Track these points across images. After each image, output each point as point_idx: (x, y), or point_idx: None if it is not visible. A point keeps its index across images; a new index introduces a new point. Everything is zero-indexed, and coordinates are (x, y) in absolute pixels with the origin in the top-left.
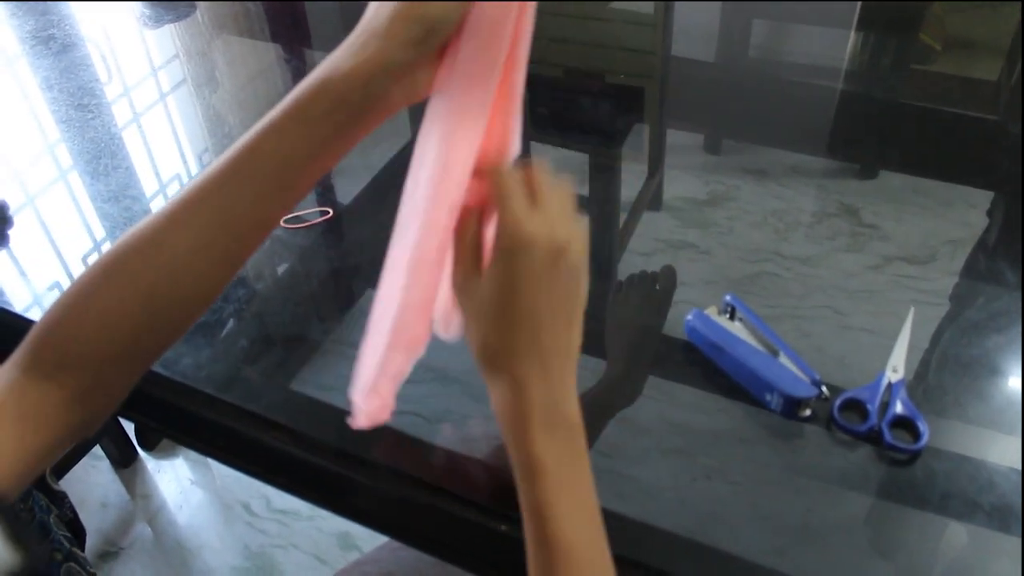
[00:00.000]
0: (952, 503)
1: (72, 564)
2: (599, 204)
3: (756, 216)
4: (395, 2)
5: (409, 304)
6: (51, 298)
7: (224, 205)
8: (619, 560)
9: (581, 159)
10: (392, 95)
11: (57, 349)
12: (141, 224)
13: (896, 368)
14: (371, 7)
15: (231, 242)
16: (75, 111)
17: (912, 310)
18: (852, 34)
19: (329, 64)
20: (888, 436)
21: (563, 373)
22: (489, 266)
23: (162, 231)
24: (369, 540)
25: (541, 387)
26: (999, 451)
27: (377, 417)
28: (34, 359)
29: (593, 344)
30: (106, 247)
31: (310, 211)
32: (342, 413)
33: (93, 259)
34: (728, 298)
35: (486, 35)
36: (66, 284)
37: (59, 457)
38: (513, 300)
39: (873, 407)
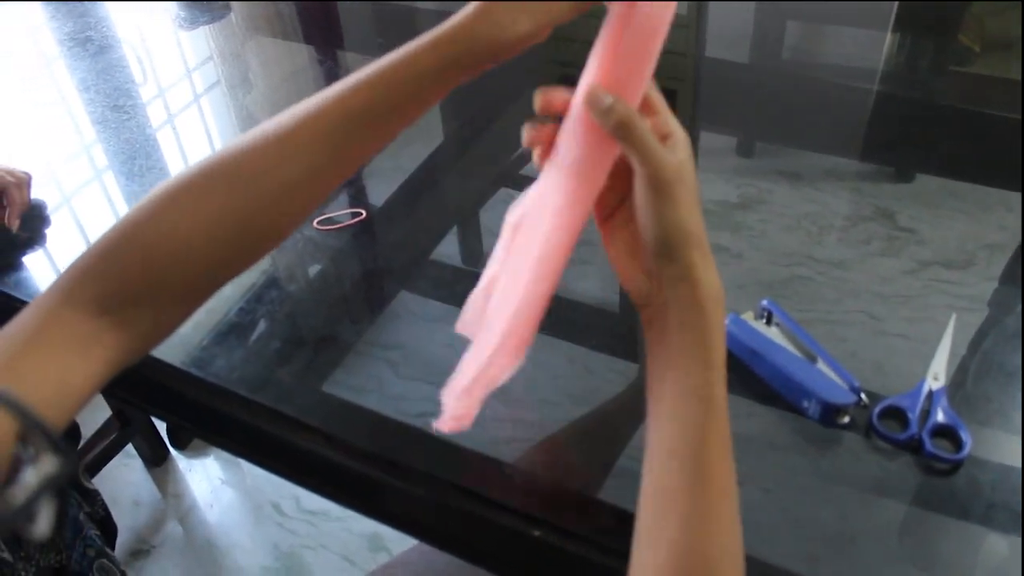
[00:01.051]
0: (996, 514)
1: (104, 560)
2: None
3: (789, 219)
4: None
5: (532, 298)
6: None
7: (343, 137)
8: None
9: None
10: (517, 39)
11: (126, 279)
12: (239, 147)
13: (937, 375)
14: None
15: (337, 173)
16: (111, 112)
17: (954, 316)
18: (888, 35)
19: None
20: (929, 445)
21: None
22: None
23: (271, 159)
24: (399, 542)
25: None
26: None
27: (462, 422)
28: (95, 293)
29: (625, 347)
30: None
31: (343, 212)
32: (374, 415)
33: None
34: (765, 303)
35: (645, 34)
36: None
37: (105, 385)
38: (681, 203)
39: (914, 415)
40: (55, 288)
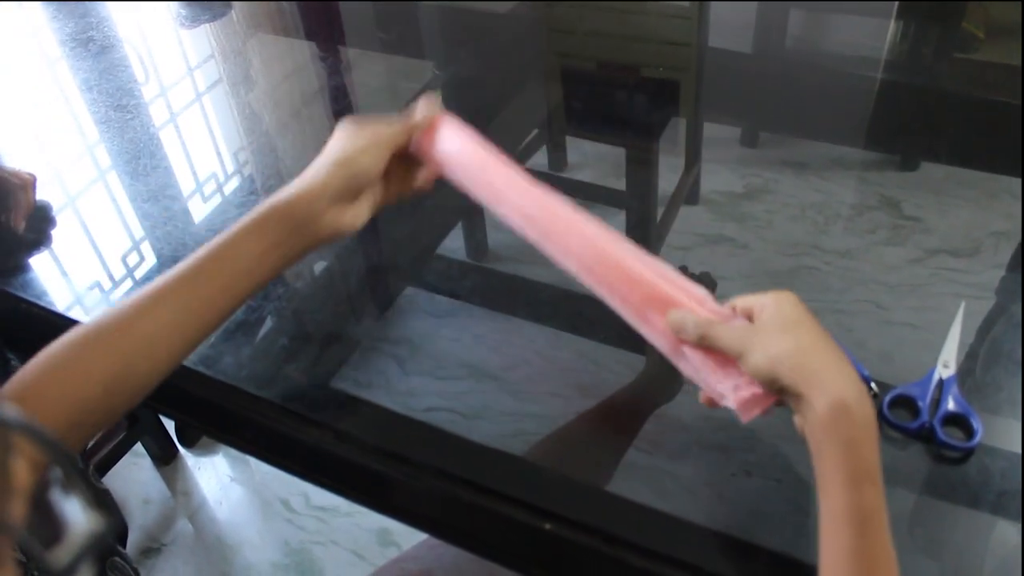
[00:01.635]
0: (1007, 502)
1: (116, 559)
2: (636, 198)
3: (795, 209)
4: (337, 150)
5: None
6: (92, 297)
7: (189, 297)
8: (657, 556)
9: (618, 153)
10: (326, 218)
11: (33, 407)
12: (109, 312)
13: (947, 363)
14: (329, 146)
15: (194, 327)
16: (114, 112)
17: (963, 304)
18: (892, 23)
19: (287, 188)
20: (940, 433)
21: None
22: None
23: (128, 321)
24: (408, 537)
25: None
26: None
27: (762, 401)
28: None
29: (632, 339)
30: (145, 246)
31: None
32: (382, 410)
33: (132, 259)
34: None
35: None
36: (107, 284)
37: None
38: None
39: (924, 404)
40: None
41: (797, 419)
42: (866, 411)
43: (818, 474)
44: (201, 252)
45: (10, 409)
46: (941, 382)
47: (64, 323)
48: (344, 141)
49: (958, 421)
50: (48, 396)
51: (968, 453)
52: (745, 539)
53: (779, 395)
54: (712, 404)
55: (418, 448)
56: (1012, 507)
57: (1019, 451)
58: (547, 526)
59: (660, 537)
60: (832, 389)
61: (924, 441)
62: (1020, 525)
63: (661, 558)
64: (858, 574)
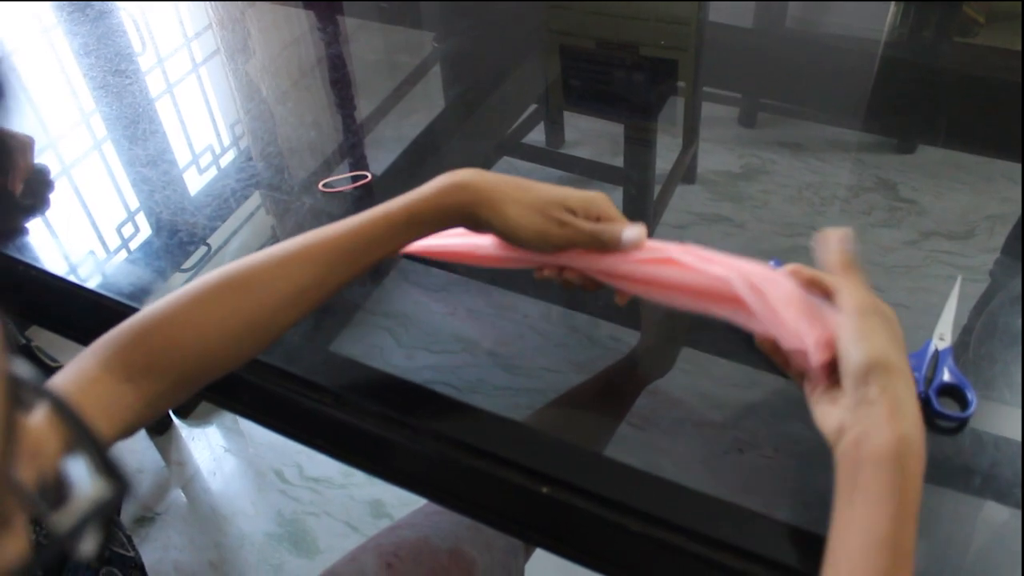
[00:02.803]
0: (1000, 471)
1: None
2: (633, 176)
3: (791, 190)
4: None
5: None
6: (89, 264)
7: (327, 267)
8: (655, 520)
9: (615, 130)
10: (475, 229)
11: (150, 354)
12: (249, 263)
13: (943, 336)
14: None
15: (321, 294)
16: (112, 76)
17: (959, 278)
18: (892, 5)
19: (443, 184)
20: (936, 403)
21: None
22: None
23: (272, 276)
24: (400, 508)
25: None
26: None
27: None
28: (122, 360)
29: (627, 315)
30: (140, 217)
31: (344, 176)
32: (382, 375)
33: (128, 229)
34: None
35: None
36: (100, 253)
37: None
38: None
39: (920, 374)
40: (93, 351)
41: (838, 420)
42: (922, 451)
43: (857, 487)
44: (339, 227)
45: (23, 370)
46: (937, 354)
47: (61, 286)
48: (523, 216)
49: (953, 392)
50: (184, 331)
51: (963, 423)
52: (741, 504)
53: (852, 385)
54: (773, 347)
55: (418, 412)
56: (1005, 477)
57: (1011, 423)
58: (544, 490)
59: (658, 501)
60: (908, 421)
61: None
62: (1013, 500)
63: (659, 522)
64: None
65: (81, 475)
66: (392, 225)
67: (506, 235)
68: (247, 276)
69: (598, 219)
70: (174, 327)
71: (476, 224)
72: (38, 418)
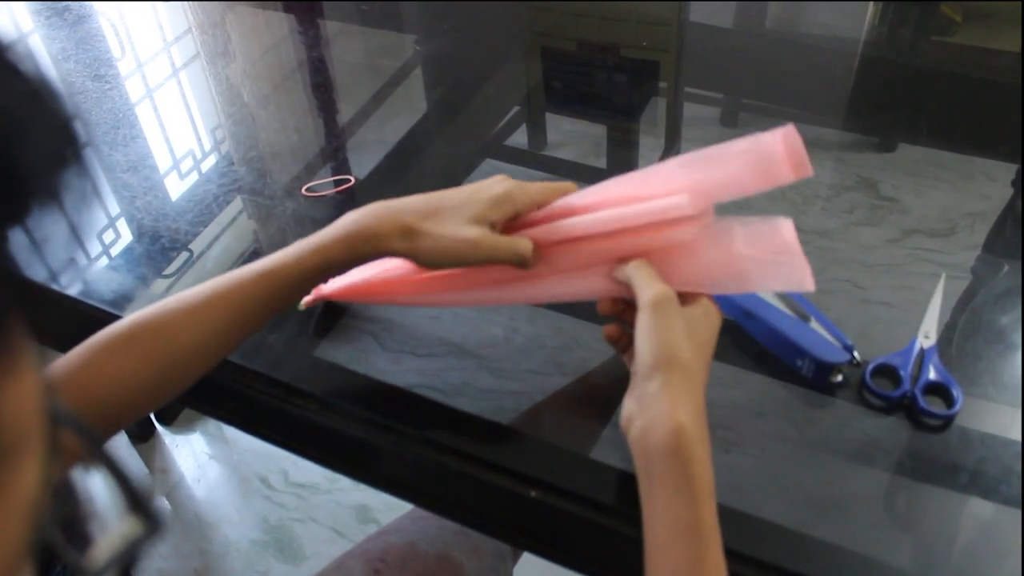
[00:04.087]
0: (988, 468)
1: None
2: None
3: (773, 190)
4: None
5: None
6: (69, 270)
7: (239, 314)
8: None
9: (598, 132)
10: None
11: (85, 384)
12: (158, 311)
13: (928, 334)
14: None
15: (235, 340)
16: (92, 82)
17: (943, 276)
18: (871, 5)
19: (352, 221)
20: (922, 402)
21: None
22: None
23: (182, 325)
24: (387, 513)
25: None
26: None
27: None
28: None
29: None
30: (122, 224)
31: (327, 180)
32: (367, 380)
33: (108, 236)
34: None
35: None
36: (83, 260)
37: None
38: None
39: (906, 373)
40: None
41: (630, 409)
42: (704, 435)
43: (652, 479)
44: (254, 266)
45: (61, 404)
46: (922, 352)
47: (41, 293)
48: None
49: (939, 390)
50: (94, 383)
51: (949, 421)
52: (730, 506)
53: (640, 378)
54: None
55: (404, 417)
56: (993, 473)
57: (998, 421)
58: (532, 493)
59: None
60: (685, 411)
61: (906, 409)
62: (1004, 494)
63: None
64: (692, 547)
65: (110, 512)
66: (302, 266)
67: (420, 263)
68: (157, 325)
69: (516, 215)
70: (85, 380)
71: (389, 256)
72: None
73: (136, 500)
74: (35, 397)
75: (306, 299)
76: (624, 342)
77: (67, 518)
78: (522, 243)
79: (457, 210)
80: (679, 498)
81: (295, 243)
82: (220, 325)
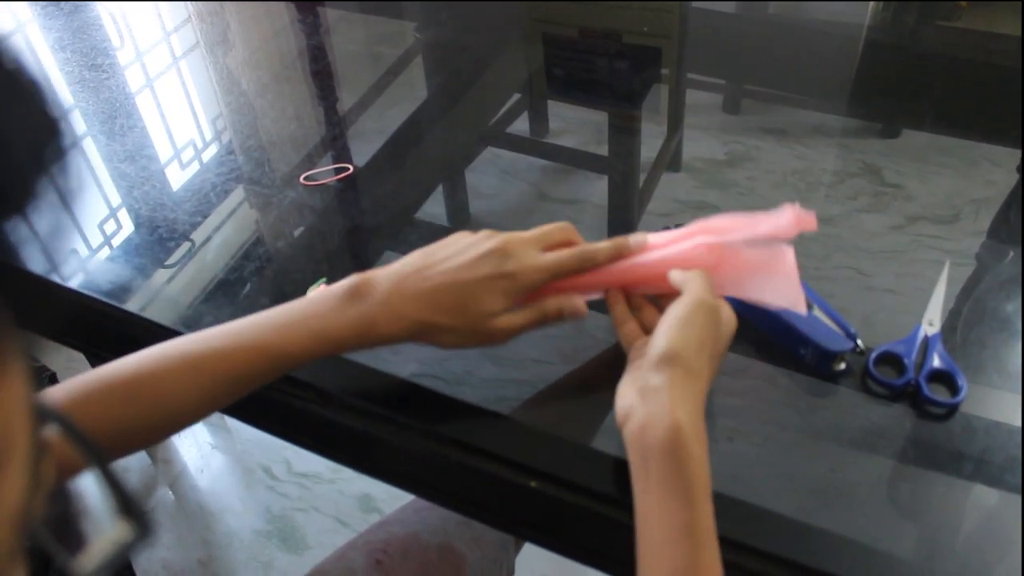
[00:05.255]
0: (992, 457)
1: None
2: (618, 164)
3: (776, 176)
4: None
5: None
6: (69, 262)
7: (226, 385)
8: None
9: (600, 119)
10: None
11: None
12: (141, 368)
13: (932, 322)
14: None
15: (219, 407)
16: (89, 71)
17: (947, 263)
18: None
19: (363, 315)
20: (926, 390)
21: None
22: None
23: (164, 390)
24: (390, 503)
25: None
26: None
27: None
28: None
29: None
30: (122, 214)
31: (327, 169)
32: (367, 370)
33: (110, 226)
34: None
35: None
36: (83, 251)
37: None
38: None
39: (910, 361)
40: None
41: (629, 402)
42: (702, 434)
43: (648, 477)
44: (246, 336)
45: (50, 404)
46: (926, 340)
47: (41, 284)
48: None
49: (943, 378)
50: (90, 418)
51: (953, 409)
52: (732, 495)
53: (647, 370)
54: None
55: (404, 407)
56: (996, 462)
57: (1003, 409)
58: (532, 483)
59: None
60: (684, 410)
61: (910, 397)
62: (1009, 481)
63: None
64: (689, 548)
65: (100, 515)
66: (311, 356)
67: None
68: (136, 387)
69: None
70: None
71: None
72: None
73: (127, 504)
74: (22, 404)
75: None
76: (631, 324)
77: (58, 521)
78: (550, 304)
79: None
80: (675, 498)
81: (304, 317)
82: (205, 395)
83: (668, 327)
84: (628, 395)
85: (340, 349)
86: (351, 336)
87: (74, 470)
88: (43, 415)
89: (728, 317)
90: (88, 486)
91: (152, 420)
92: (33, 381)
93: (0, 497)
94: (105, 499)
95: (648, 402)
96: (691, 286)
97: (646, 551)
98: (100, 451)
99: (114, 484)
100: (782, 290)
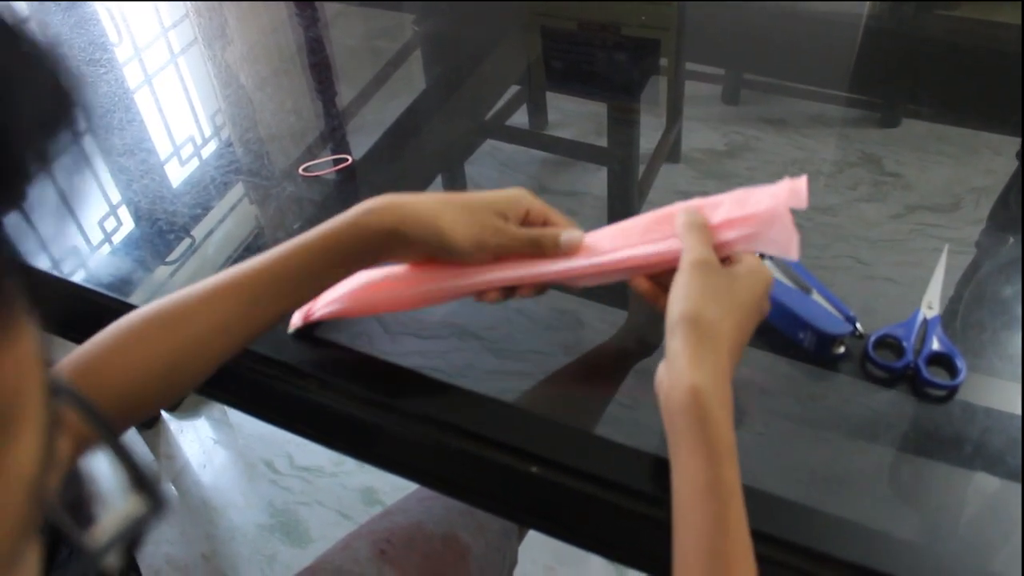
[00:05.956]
0: (992, 439)
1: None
2: (618, 155)
3: (776, 166)
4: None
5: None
6: (70, 256)
7: (250, 300)
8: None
9: (599, 111)
10: (402, 252)
11: (92, 382)
12: (171, 300)
13: (931, 305)
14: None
15: (247, 329)
16: (86, 66)
17: (947, 247)
18: None
19: (367, 209)
20: (925, 372)
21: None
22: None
23: (194, 312)
24: (392, 495)
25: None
26: None
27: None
28: None
29: (614, 296)
30: (122, 210)
31: (325, 160)
32: (369, 360)
33: (110, 224)
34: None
35: None
36: (83, 246)
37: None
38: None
39: (909, 344)
40: None
41: (657, 379)
42: (725, 396)
43: (675, 434)
44: (265, 256)
45: (61, 379)
46: (925, 323)
47: (40, 278)
48: (456, 221)
49: (942, 361)
50: (108, 373)
51: (952, 391)
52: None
53: (667, 334)
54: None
55: (406, 396)
56: (996, 445)
57: (1002, 393)
58: (533, 469)
59: (648, 479)
60: (703, 371)
61: (909, 380)
62: (1004, 468)
63: (649, 500)
64: (722, 542)
65: (113, 490)
66: (310, 251)
67: (440, 248)
68: (170, 313)
69: (527, 215)
70: (100, 374)
71: (403, 246)
72: (70, 430)
73: (140, 478)
74: (33, 366)
75: (294, 321)
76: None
77: (70, 496)
78: (555, 232)
79: (472, 198)
80: (698, 457)
81: (305, 232)
82: (230, 314)
83: (673, 295)
84: (661, 366)
85: (339, 238)
86: (348, 225)
87: (87, 447)
88: (54, 387)
89: (749, 269)
90: (100, 465)
91: (180, 352)
92: (44, 347)
93: (16, 462)
94: (117, 473)
95: (670, 368)
96: (687, 244)
97: (677, 511)
98: (110, 424)
99: (126, 458)
100: (775, 236)
